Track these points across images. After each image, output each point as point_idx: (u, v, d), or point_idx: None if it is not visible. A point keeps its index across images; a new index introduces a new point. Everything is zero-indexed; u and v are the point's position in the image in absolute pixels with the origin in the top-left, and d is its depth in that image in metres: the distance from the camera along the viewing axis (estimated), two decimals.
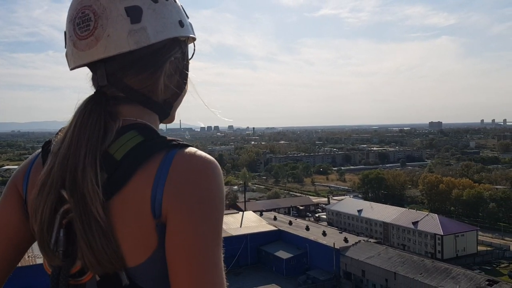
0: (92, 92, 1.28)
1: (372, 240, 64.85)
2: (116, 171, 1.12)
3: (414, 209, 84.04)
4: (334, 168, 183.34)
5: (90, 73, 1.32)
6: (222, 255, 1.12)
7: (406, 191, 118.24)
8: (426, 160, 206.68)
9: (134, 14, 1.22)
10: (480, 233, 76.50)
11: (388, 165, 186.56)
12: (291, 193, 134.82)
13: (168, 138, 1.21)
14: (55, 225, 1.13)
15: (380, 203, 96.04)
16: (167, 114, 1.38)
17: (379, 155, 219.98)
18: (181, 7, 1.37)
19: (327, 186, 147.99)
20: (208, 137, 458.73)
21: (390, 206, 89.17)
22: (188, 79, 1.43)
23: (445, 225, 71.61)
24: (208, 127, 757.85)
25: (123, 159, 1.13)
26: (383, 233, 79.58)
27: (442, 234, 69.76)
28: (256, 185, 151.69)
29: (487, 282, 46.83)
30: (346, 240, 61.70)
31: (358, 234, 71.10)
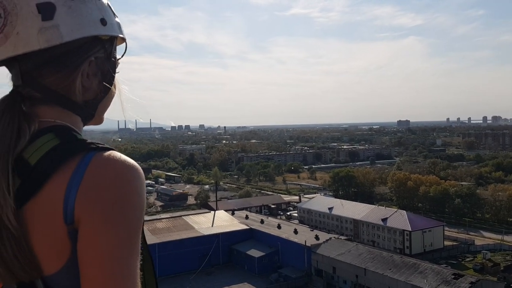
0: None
1: (343, 237, 65.70)
2: (29, 177, 1.09)
3: (383, 206, 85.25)
4: (305, 167, 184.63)
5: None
6: (139, 264, 1.09)
7: (375, 188, 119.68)
8: (395, 158, 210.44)
9: (46, 11, 1.18)
10: (446, 228, 78.45)
11: (358, 163, 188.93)
12: (262, 192, 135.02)
13: (88, 141, 1.16)
14: None
15: (351, 200, 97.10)
16: (90, 115, 1.33)
17: (349, 153, 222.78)
18: (106, 5, 1.31)
19: (298, 184, 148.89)
20: (179, 136, 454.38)
21: (360, 203, 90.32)
22: (116, 80, 1.38)
23: (413, 221, 73.01)
24: (179, 126, 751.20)
25: (38, 163, 1.10)
26: (354, 230, 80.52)
27: (410, 230, 71.11)
28: (228, 184, 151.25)
29: (453, 276, 48.06)
30: (317, 237, 62.20)
31: (329, 232, 71.85)
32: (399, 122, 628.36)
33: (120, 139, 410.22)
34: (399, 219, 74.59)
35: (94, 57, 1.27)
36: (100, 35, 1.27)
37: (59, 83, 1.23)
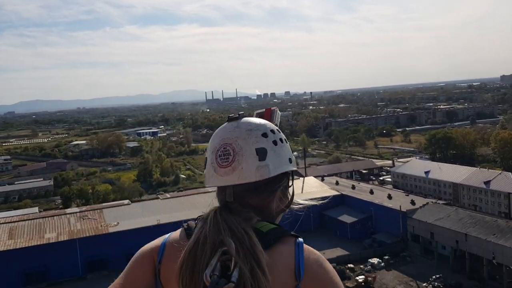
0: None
1: (441, 202, 62.37)
2: (263, 238, 1.59)
3: (485, 168, 79.59)
4: (398, 130, 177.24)
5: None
6: None
7: (476, 149, 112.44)
8: (498, 116, 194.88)
9: (262, 154, 1.74)
10: None
11: (456, 123, 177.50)
12: (353, 157, 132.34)
13: (286, 229, 1.74)
14: (215, 276, 1.45)
15: (449, 163, 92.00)
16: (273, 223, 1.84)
17: (446, 114, 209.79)
18: (289, 146, 1.91)
19: (391, 148, 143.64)
20: (265, 104, 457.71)
21: (459, 166, 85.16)
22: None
23: None
24: (264, 94, 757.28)
25: (268, 232, 1.63)
26: (453, 194, 76.36)
27: None
28: (316, 151, 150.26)
29: None
30: (413, 202, 59.75)
31: (425, 196, 68.55)
32: (503, 77, 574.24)
33: (208, 110, 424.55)
34: (504, 181, 69.50)
35: (283, 186, 1.84)
36: (288, 170, 1.84)
37: (260, 202, 1.77)
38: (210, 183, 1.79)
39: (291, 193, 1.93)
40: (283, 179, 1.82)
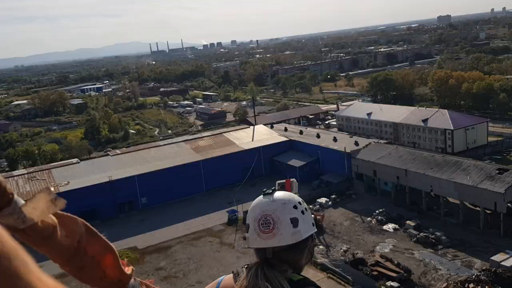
0: None
1: (383, 141, 65.84)
2: (294, 286, 2.13)
3: (423, 107, 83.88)
4: (341, 74, 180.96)
5: None
6: None
7: (415, 90, 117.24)
8: (435, 56, 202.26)
9: (295, 222, 2.33)
10: (490, 124, 76.77)
11: (396, 65, 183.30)
12: (300, 103, 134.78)
13: (310, 279, 2.24)
14: None
15: (390, 104, 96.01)
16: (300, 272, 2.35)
17: (387, 56, 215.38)
18: (310, 212, 2.47)
19: (335, 93, 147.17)
20: (212, 54, 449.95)
21: (399, 106, 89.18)
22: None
23: (455, 120, 71.86)
24: (211, 44, 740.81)
25: (297, 281, 2.17)
26: (393, 133, 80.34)
27: (452, 128, 70.25)
28: (265, 99, 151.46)
29: (497, 171, 47.61)
30: (356, 143, 62.70)
31: (368, 137, 71.97)
32: (439, 18, 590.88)
33: (154, 62, 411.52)
34: (441, 118, 73.56)
35: (309, 245, 2.40)
36: (313, 233, 2.43)
37: (292, 258, 2.33)
38: (254, 245, 2.36)
39: (313, 251, 2.53)
40: (309, 239, 2.40)
